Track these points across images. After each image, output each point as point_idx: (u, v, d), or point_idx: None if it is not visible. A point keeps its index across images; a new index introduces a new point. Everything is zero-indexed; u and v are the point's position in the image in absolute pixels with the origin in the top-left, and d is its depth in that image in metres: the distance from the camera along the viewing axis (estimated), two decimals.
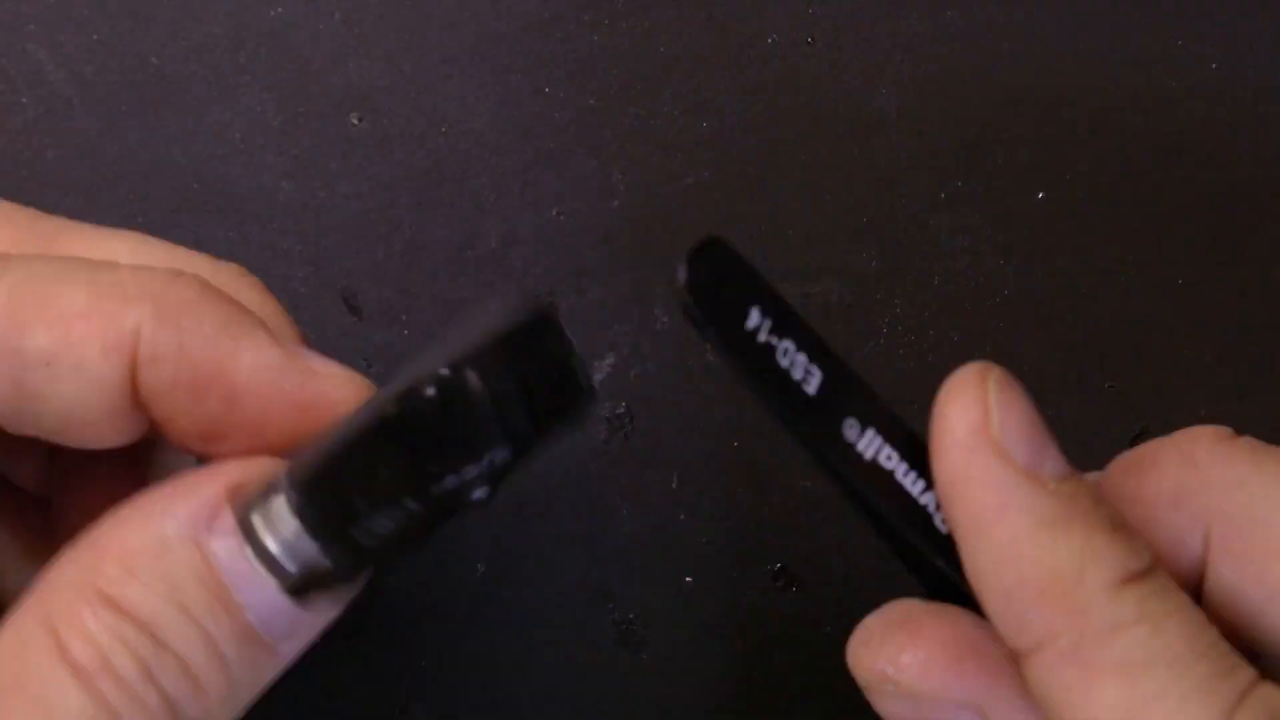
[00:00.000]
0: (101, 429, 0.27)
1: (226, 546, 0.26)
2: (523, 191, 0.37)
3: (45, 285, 0.26)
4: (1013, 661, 0.26)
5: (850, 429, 0.30)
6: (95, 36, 0.37)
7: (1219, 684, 0.24)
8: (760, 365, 0.29)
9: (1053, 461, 0.27)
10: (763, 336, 0.30)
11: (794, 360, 0.30)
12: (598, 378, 0.37)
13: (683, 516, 0.37)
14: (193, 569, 0.26)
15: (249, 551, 0.26)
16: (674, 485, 0.37)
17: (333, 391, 0.28)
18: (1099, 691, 0.24)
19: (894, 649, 0.27)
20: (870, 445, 0.30)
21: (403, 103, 0.37)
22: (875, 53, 0.37)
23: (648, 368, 0.37)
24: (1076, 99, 0.37)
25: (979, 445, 0.27)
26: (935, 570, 0.28)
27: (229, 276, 0.30)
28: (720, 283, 0.30)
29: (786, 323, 0.30)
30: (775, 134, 0.37)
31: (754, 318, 0.30)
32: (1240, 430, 0.37)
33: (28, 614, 0.25)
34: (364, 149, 0.37)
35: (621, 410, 0.37)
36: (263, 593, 0.26)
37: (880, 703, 0.27)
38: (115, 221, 0.37)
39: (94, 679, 0.25)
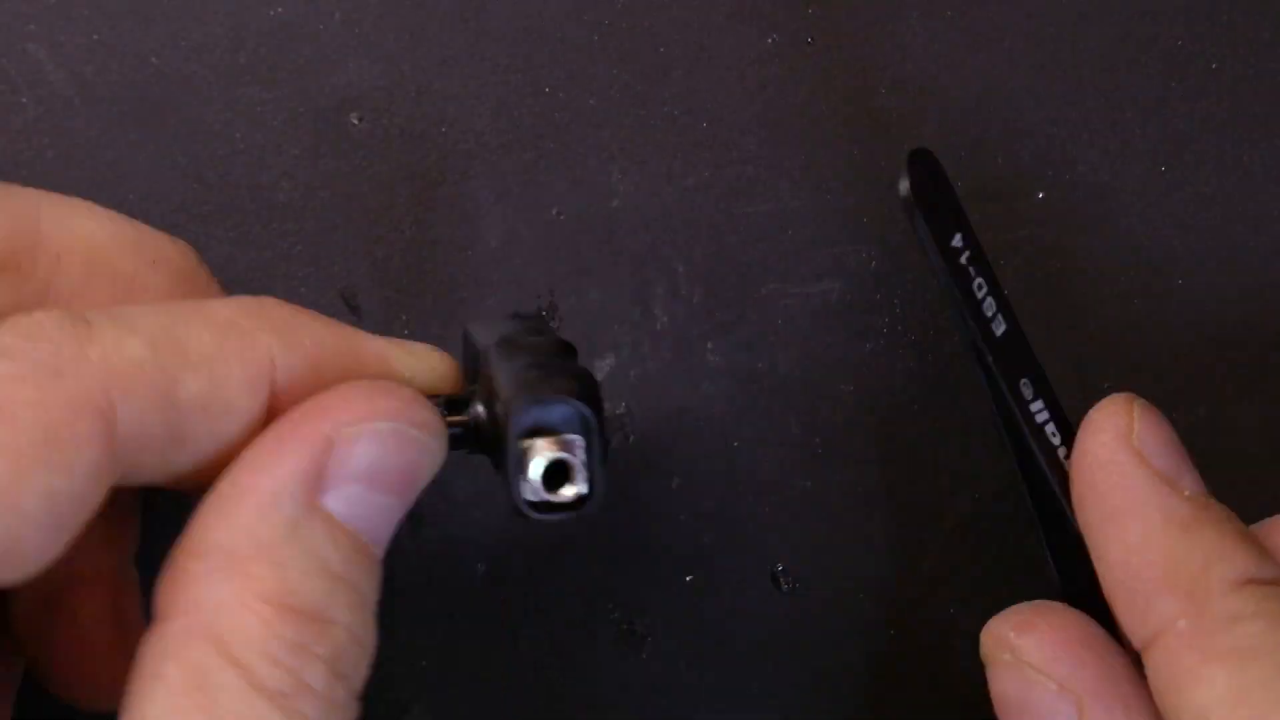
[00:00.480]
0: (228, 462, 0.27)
1: (344, 495, 0.27)
2: (523, 191, 0.37)
3: (176, 330, 0.26)
4: (1121, 665, 0.28)
5: (1026, 388, 0.31)
6: (95, 36, 0.37)
7: None
8: (963, 286, 0.31)
9: (1191, 478, 0.29)
10: (963, 260, 0.31)
11: (985, 298, 0.31)
12: (598, 377, 0.37)
13: (683, 516, 0.37)
14: (329, 535, 0.27)
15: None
16: (674, 485, 0.37)
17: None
18: (1211, 674, 0.26)
19: (1020, 621, 0.30)
20: (1041, 413, 0.31)
21: (403, 103, 0.37)
22: (875, 53, 0.37)
23: (648, 368, 0.37)
24: (1076, 99, 0.37)
25: (1121, 447, 0.29)
26: (1072, 542, 0.30)
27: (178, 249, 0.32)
28: (935, 193, 0.32)
29: (981, 260, 0.31)
30: (775, 134, 0.37)
31: (958, 240, 0.31)
32: (1241, 430, 0.37)
33: (193, 641, 0.25)
34: (364, 149, 0.37)
35: (621, 410, 0.37)
36: (378, 515, 0.27)
37: (995, 673, 0.30)
38: None
39: (294, 701, 0.25)
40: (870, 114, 0.37)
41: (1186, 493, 0.29)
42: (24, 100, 0.37)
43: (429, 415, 0.28)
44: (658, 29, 0.37)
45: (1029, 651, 0.29)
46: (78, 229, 0.30)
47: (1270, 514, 0.37)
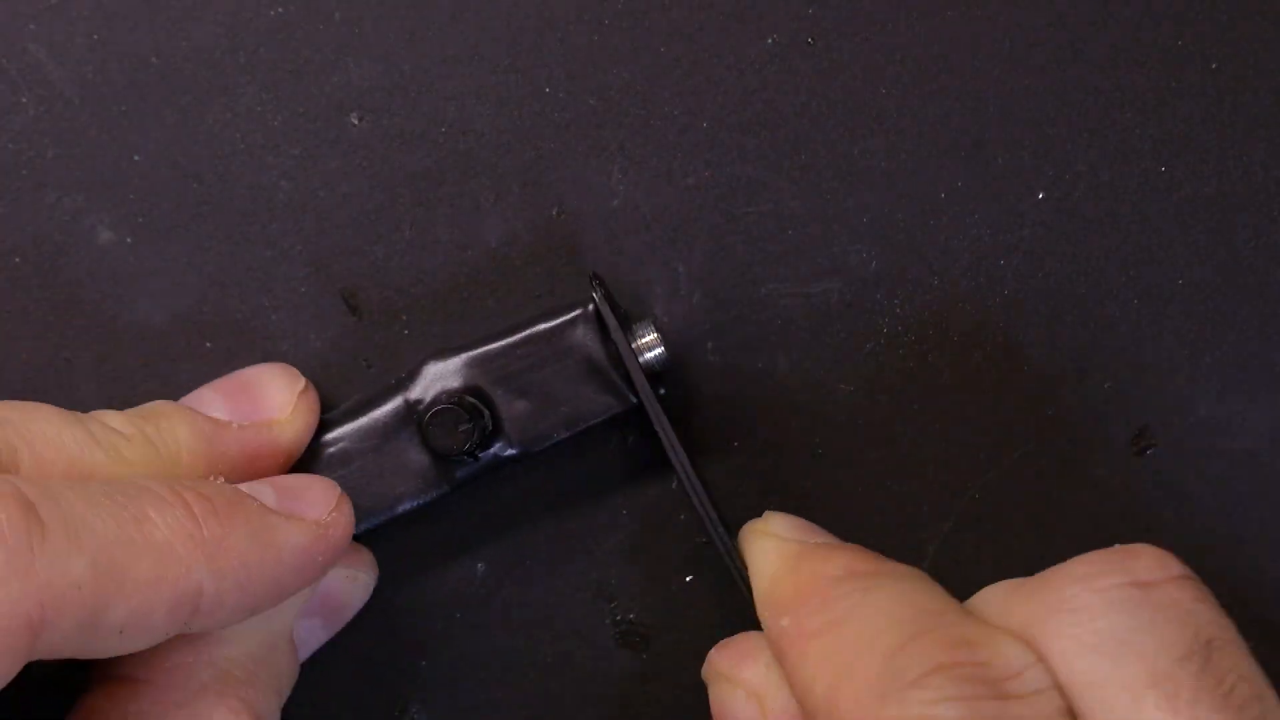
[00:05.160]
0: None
1: (305, 625, 0.34)
2: (523, 191, 0.37)
3: (119, 554, 0.27)
4: None
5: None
6: (95, 36, 0.37)
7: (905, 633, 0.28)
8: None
9: (820, 536, 0.33)
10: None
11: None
12: None
13: (683, 516, 0.37)
14: (291, 661, 0.34)
15: None
16: (674, 485, 0.37)
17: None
18: (814, 648, 0.29)
19: (720, 644, 0.33)
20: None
21: (403, 103, 0.37)
22: (875, 53, 0.37)
23: None
24: (1076, 99, 0.37)
25: (758, 529, 0.33)
26: None
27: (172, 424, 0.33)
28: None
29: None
30: (775, 134, 0.37)
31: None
32: (1240, 431, 0.37)
33: None
34: (364, 149, 0.37)
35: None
36: (315, 643, 0.35)
37: (710, 694, 0.33)
38: (115, 221, 0.37)
39: None
40: (870, 114, 0.37)
41: (816, 540, 0.33)
42: (24, 100, 0.37)
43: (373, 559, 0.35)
44: (658, 29, 0.37)
45: (720, 663, 0.33)
46: (50, 437, 0.31)
47: (1274, 513, 0.37)
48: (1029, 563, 0.37)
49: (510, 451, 0.35)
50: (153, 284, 0.37)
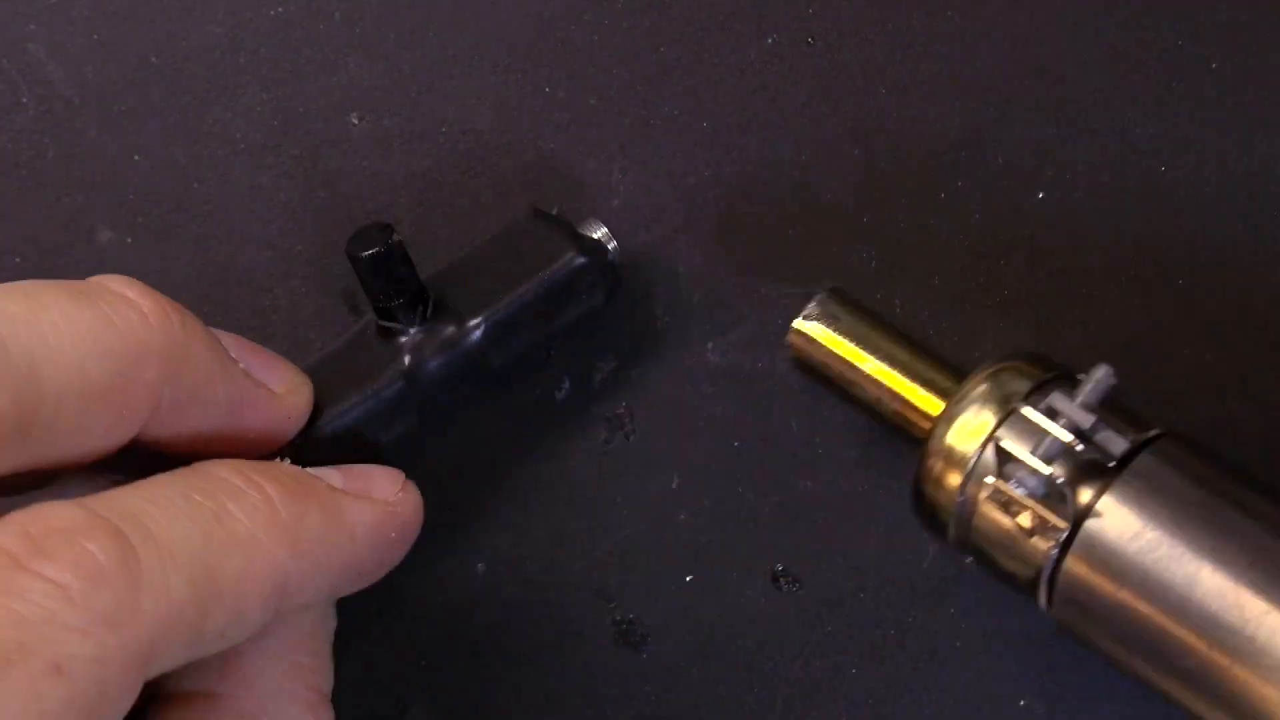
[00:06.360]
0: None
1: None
2: (523, 191, 0.37)
3: (210, 561, 0.27)
4: None
5: None
6: (95, 36, 0.37)
7: None
8: None
9: None
10: None
11: None
12: (597, 378, 0.37)
13: (683, 516, 0.37)
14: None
15: None
16: (674, 485, 0.37)
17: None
18: None
19: None
20: None
21: (403, 103, 0.37)
22: (875, 53, 0.37)
23: (648, 368, 0.37)
24: (1076, 99, 0.37)
25: None
26: None
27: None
28: None
29: None
30: (775, 134, 0.37)
31: None
32: (1239, 431, 0.37)
33: None
34: (364, 149, 0.37)
35: (621, 410, 0.37)
36: None
37: None
38: (115, 222, 0.37)
39: None
40: (870, 114, 0.37)
41: None
42: (24, 100, 0.37)
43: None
44: (658, 29, 0.37)
45: None
46: (68, 363, 0.29)
47: None
48: None
49: (474, 334, 0.33)
50: (152, 284, 0.37)
